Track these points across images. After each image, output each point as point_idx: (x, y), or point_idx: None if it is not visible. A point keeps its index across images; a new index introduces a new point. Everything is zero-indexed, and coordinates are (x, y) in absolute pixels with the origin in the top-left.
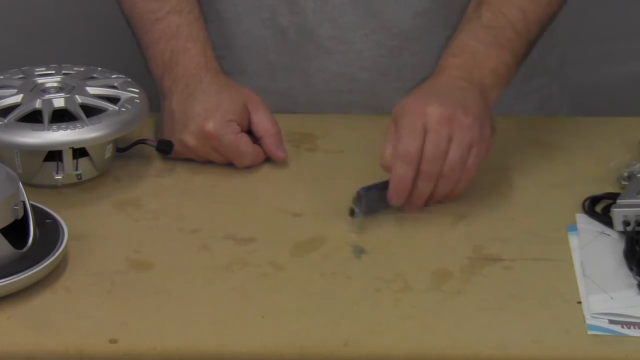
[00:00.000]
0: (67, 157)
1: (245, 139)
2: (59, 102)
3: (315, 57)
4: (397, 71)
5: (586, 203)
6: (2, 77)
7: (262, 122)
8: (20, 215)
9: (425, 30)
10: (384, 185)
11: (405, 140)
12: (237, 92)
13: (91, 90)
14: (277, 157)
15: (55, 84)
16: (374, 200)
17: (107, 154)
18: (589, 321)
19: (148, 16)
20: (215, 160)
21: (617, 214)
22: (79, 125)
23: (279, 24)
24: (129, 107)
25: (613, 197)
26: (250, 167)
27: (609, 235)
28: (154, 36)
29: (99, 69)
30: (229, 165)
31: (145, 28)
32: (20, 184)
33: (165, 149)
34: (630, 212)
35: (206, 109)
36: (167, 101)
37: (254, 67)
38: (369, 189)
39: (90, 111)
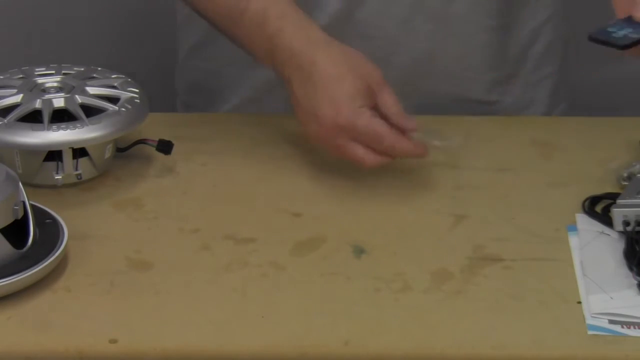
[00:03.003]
0: (67, 157)
1: (380, 121)
2: (59, 102)
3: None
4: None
5: (586, 203)
6: (2, 77)
7: (386, 101)
8: (20, 215)
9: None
10: None
11: None
12: (358, 73)
13: (91, 90)
14: (411, 128)
15: (55, 84)
16: None
17: (107, 154)
18: (589, 321)
19: (233, 12)
20: (350, 152)
21: (617, 214)
22: (79, 125)
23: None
24: (129, 107)
25: (613, 197)
26: (249, 164)
27: (609, 235)
28: (247, 28)
29: (99, 69)
30: (229, 165)
31: (235, 24)
32: (20, 184)
33: (165, 149)
34: (630, 212)
35: (332, 99)
36: (290, 89)
37: None
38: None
39: (90, 111)
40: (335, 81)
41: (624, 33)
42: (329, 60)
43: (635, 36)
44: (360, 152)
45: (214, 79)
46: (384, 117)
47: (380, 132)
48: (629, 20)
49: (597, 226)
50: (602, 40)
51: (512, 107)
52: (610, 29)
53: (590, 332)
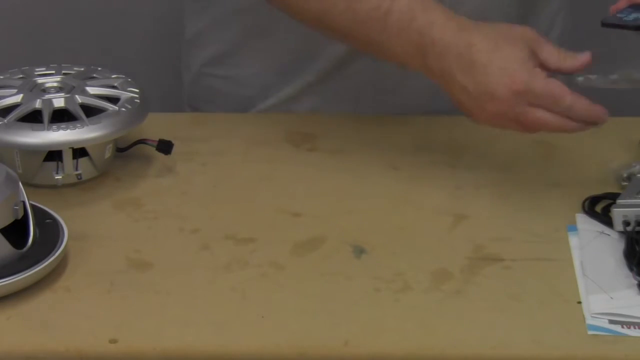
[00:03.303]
0: (67, 157)
1: (556, 81)
2: (59, 102)
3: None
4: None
5: (586, 203)
6: (2, 77)
7: (550, 55)
8: (20, 215)
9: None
10: None
11: None
12: (515, 38)
13: (91, 90)
14: (585, 64)
15: (55, 84)
16: None
17: (107, 154)
18: (589, 321)
19: (375, 14)
20: (531, 117)
21: (617, 214)
22: (79, 125)
23: None
24: (129, 107)
25: (613, 197)
26: (249, 164)
27: (609, 235)
28: (393, 29)
29: (99, 69)
30: (229, 165)
31: (377, 27)
32: (20, 184)
33: (165, 149)
34: (630, 212)
35: (502, 67)
36: (450, 81)
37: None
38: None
39: (90, 111)
40: (499, 52)
41: (634, 16)
42: (484, 38)
43: None
44: (542, 115)
45: (236, 88)
46: (555, 70)
47: (559, 92)
48: (635, 7)
49: (597, 226)
50: (616, 24)
51: None
52: (619, 15)
53: (590, 332)
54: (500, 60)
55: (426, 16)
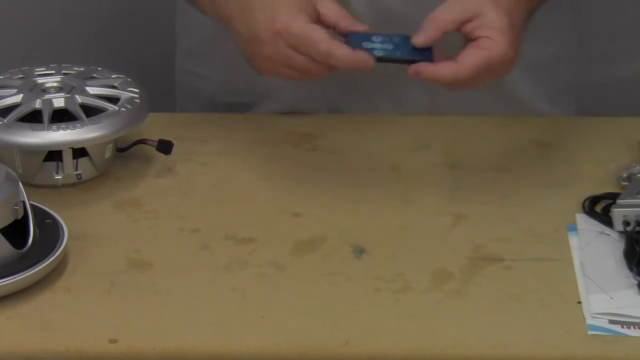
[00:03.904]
0: (67, 157)
1: (317, 27)
2: (59, 102)
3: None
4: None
5: (586, 203)
6: (2, 77)
7: (329, 9)
8: (20, 215)
9: None
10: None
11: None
12: None
13: (91, 90)
14: (361, 29)
15: (55, 84)
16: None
17: (107, 154)
18: (589, 321)
19: None
20: (298, 66)
21: (617, 214)
22: (79, 125)
23: None
24: (129, 107)
25: (613, 197)
26: (249, 164)
27: (609, 235)
28: None
29: (99, 69)
30: (229, 165)
31: None
32: (20, 184)
33: (165, 149)
34: (630, 212)
35: (269, 9)
36: (231, 28)
37: None
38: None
39: (90, 111)
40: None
41: (384, 47)
42: None
43: (392, 54)
44: (296, 61)
45: (208, 86)
46: (332, 25)
47: (315, 37)
48: (403, 39)
49: (597, 226)
50: (355, 44)
51: None
52: (375, 38)
53: (590, 332)
54: (268, 4)
55: None
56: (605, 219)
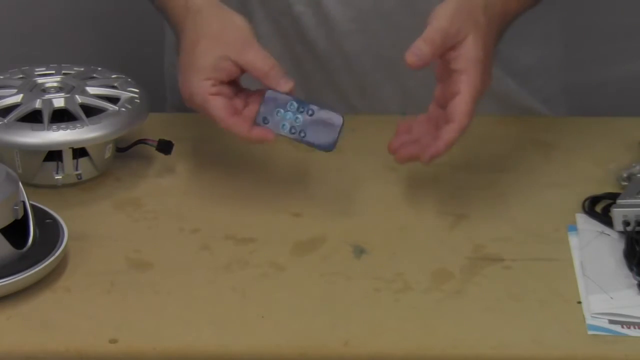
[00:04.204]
0: (67, 157)
1: (215, 102)
2: (59, 102)
3: (334, 39)
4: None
5: (586, 203)
6: (2, 77)
7: (251, 64)
8: (20, 215)
9: None
10: None
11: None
12: (214, 42)
13: (91, 90)
14: (283, 90)
15: (55, 84)
16: None
17: (107, 154)
18: (589, 321)
19: None
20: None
21: (617, 214)
22: (79, 125)
23: (294, 11)
24: (129, 107)
25: (613, 197)
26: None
27: (609, 235)
28: None
29: (99, 69)
30: (229, 165)
31: None
32: (20, 184)
33: (165, 149)
34: (630, 212)
35: (183, 71)
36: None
37: (276, 54)
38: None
39: (90, 111)
40: (189, 50)
41: (292, 123)
42: (192, 27)
43: (297, 136)
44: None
45: None
46: (258, 79)
47: (213, 114)
48: (318, 112)
49: (597, 226)
50: (267, 110)
51: None
52: (290, 106)
53: (590, 332)
54: (186, 59)
55: None
56: (605, 219)
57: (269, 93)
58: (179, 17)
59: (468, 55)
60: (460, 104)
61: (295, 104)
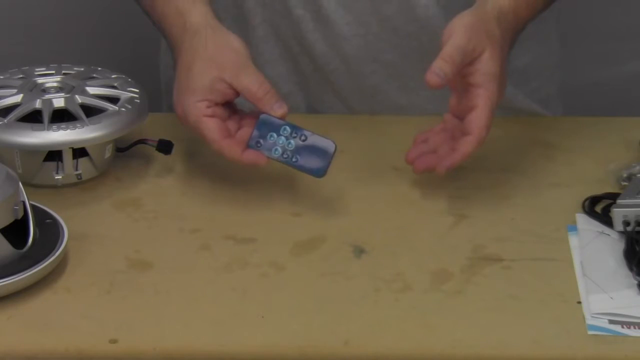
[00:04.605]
0: (67, 157)
1: (209, 124)
2: (59, 102)
3: (333, 43)
4: (419, 51)
5: (586, 203)
6: (2, 77)
7: (246, 88)
8: (20, 215)
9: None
10: None
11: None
12: (210, 64)
13: (91, 90)
14: (276, 115)
15: (55, 84)
16: None
17: (107, 154)
18: (589, 321)
19: None
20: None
21: (617, 214)
22: (79, 125)
23: (293, 14)
24: (129, 107)
25: (613, 197)
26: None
27: (609, 235)
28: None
29: (99, 69)
30: (229, 165)
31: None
32: (20, 184)
33: (165, 149)
34: (630, 212)
35: (178, 88)
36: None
37: (274, 56)
38: None
39: (90, 111)
40: (184, 71)
41: (285, 147)
42: (188, 48)
43: (288, 160)
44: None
45: None
46: (252, 103)
47: (206, 136)
48: (310, 138)
49: (597, 226)
50: (260, 133)
51: None
52: (283, 130)
53: (590, 332)
54: (181, 80)
55: (164, 8)
56: (605, 219)
57: (262, 117)
58: (176, 37)
59: (485, 69)
60: (478, 118)
61: (289, 129)
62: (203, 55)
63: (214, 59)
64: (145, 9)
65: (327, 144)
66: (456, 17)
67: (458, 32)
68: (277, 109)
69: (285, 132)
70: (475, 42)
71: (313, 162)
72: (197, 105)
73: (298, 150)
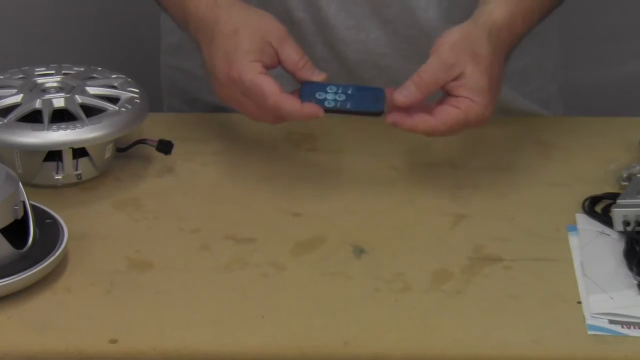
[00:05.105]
0: (67, 157)
1: (268, 79)
2: (59, 102)
3: (333, 46)
4: (418, 56)
5: (586, 203)
6: (2, 77)
7: (288, 57)
8: (20, 215)
9: (445, 19)
10: None
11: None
12: (256, 29)
13: (91, 90)
14: (317, 80)
15: (55, 84)
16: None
17: (107, 154)
18: (589, 321)
19: None
20: (251, 112)
21: (617, 214)
22: (79, 125)
23: (294, 17)
24: (129, 107)
25: (613, 197)
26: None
27: (609, 235)
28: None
29: (99, 69)
30: (229, 165)
31: None
32: (20, 184)
33: (165, 149)
34: (630, 212)
35: (227, 53)
36: (201, 53)
37: None
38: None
39: (90, 111)
40: (231, 37)
41: (336, 98)
42: (228, 18)
43: (342, 105)
44: (249, 107)
45: (192, 82)
46: (291, 73)
47: (265, 90)
48: (357, 89)
49: (597, 226)
50: (308, 94)
51: None
52: (329, 88)
53: (590, 332)
54: (228, 44)
55: None
56: (605, 219)
57: (305, 83)
58: (205, 13)
59: (470, 84)
60: (449, 115)
61: (334, 87)
62: (247, 23)
63: (259, 27)
64: None
65: (375, 89)
66: (446, 32)
67: (443, 49)
68: (317, 75)
69: (331, 89)
70: (457, 59)
71: (368, 104)
72: (253, 65)
73: (349, 97)
